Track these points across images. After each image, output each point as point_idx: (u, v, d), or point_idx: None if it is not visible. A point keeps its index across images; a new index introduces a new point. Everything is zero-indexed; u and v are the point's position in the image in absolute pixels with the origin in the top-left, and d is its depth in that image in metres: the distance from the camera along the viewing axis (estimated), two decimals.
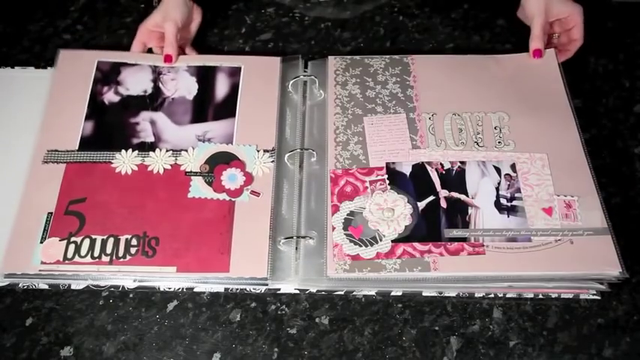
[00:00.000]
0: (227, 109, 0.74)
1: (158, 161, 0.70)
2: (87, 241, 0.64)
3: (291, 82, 0.76)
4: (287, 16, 0.88)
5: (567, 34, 0.78)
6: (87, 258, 0.63)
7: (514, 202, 0.65)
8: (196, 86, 0.76)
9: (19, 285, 0.64)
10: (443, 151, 0.69)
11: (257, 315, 0.63)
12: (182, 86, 0.76)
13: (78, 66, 0.77)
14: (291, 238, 0.65)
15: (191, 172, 0.69)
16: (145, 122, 0.74)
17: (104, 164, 0.70)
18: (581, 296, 0.63)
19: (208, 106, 0.75)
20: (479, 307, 0.63)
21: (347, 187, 0.67)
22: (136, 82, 0.77)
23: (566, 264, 0.61)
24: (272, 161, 0.70)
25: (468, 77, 0.75)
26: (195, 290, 0.64)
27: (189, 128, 0.73)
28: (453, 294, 0.63)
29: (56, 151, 0.70)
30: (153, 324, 0.62)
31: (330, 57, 0.78)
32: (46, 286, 0.64)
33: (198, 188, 0.68)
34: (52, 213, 0.66)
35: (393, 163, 0.68)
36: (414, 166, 0.68)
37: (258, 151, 0.71)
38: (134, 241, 0.64)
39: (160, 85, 0.77)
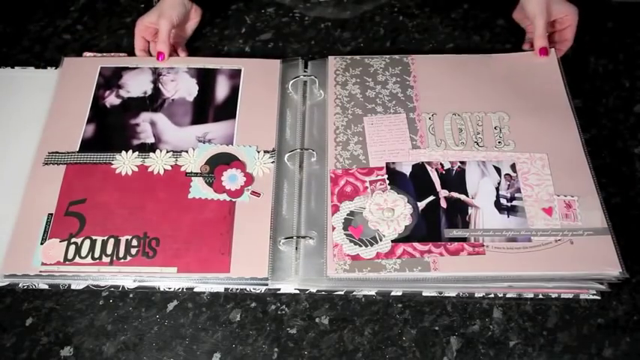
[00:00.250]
0: (227, 110, 0.74)
1: (158, 162, 0.70)
2: (87, 242, 0.64)
3: (291, 82, 0.77)
4: (287, 16, 0.88)
5: (560, 34, 0.78)
6: (87, 259, 0.63)
7: (514, 202, 0.65)
8: (196, 88, 0.76)
9: (19, 285, 0.64)
10: (443, 151, 0.69)
11: (257, 315, 0.63)
12: (182, 87, 0.76)
13: (81, 72, 0.78)
14: (292, 238, 0.65)
15: (191, 172, 0.69)
16: (145, 123, 0.74)
17: (104, 165, 0.70)
18: (581, 296, 0.63)
19: (208, 108, 0.75)
20: (479, 307, 0.63)
21: (347, 187, 0.67)
22: (136, 85, 0.77)
23: (566, 264, 0.61)
24: (272, 162, 0.70)
25: (468, 77, 0.75)
26: (195, 290, 0.64)
27: (190, 129, 0.73)
28: (453, 294, 0.63)
29: (57, 152, 0.71)
30: (153, 324, 0.62)
31: (330, 57, 0.78)
32: (46, 286, 0.64)
33: (199, 189, 0.68)
34: (52, 214, 0.66)
35: (393, 163, 0.68)
36: (414, 166, 0.68)
37: (258, 151, 0.71)
38: (134, 242, 0.64)
39: (160, 86, 0.77)
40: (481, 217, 0.64)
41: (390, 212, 0.65)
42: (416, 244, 0.63)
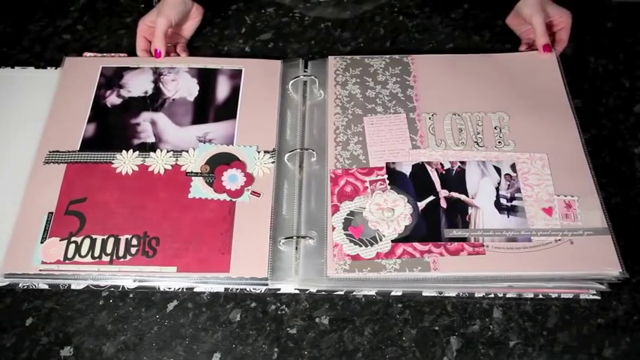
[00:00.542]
0: (228, 110, 0.74)
1: (159, 162, 0.70)
2: (87, 241, 0.64)
3: (291, 82, 0.77)
4: (287, 16, 0.89)
5: (554, 35, 0.79)
6: (87, 258, 0.63)
7: (514, 202, 0.65)
8: (197, 88, 0.77)
9: (19, 285, 0.64)
10: (443, 151, 0.69)
11: (257, 315, 0.63)
12: (183, 87, 0.77)
13: (83, 72, 0.78)
14: (291, 238, 0.65)
15: (192, 172, 0.69)
16: (145, 123, 0.74)
17: (105, 164, 0.70)
18: (581, 296, 0.63)
19: (209, 108, 0.75)
20: (479, 307, 0.63)
21: (347, 187, 0.67)
22: (137, 84, 0.77)
23: (566, 264, 0.61)
24: (272, 162, 0.70)
25: (468, 77, 0.75)
26: (195, 290, 0.64)
27: (190, 129, 0.73)
28: (453, 294, 0.63)
29: (57, 151, 0.71)
30: (153, 324, 0.62)
31: (330, 57, 0.78)
32: (46, 286, 0.64)
33: (199, 189, 0.68)
34: (52, 213, 0.66)
35: (393, 163, 0.68)
36: (414, 166, 0.68)
37: (258, 152, 0.71)
38: (134, 241, 0.64)
39: (161, 85, 0.77)
40: (481, 217, 0.64)
41: (390, 212, 0.65)
42: (416, 244, 0.63)
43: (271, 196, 0.67)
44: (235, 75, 0.77)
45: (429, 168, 0.68)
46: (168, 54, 0.79)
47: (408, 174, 0.68)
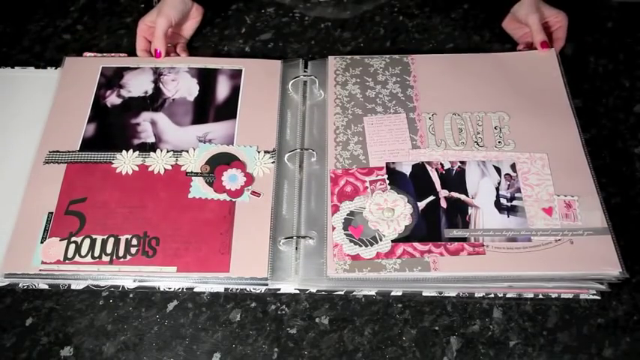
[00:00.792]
0: (228, 110, 0.74)
1: (159, 162, 0.70)
2: (87, 241, 0.64)
3: (291, 82, 0.77)
4: (287, 16, 0.89)
5: (551, 35, 0.79)
6: (87, 258, 0.63)
7: (514, 202, 0.65)
8: (197, 88, 0.77)
9: (19, 285, 0.64)
10: (443, 151, 0.69)
11: (257, 315, 0.63)
12: (183, 87, 0.77)
13: (83, 72, 0.78)
14: (291, 238, 0.65)
15: (192, 172, 0.69)
16: (145, 123, 0.74)
17: (105, 164, 0.70)
18: (581, 296, 0.63)
19: (209, 108, 0.75)
20: (479, 307, 0.63)
21: (347, 187, 0.67)
22: (137, 84, 0.77)
23: (566, 264, 0.61)
24: (272, 162, 0.70)
25: (468, 77, 0.75)
26: (195, 290, 0.64)
27: (190, 129, 0.73)
28: (453, 294, 0.63)
29: (57, 151, 0.71)
30: (153, 324, 0.62)
31: (330, 57, 0.78)
32: (46, 286, 0.64)
33: (199, 188, 0.68)
34: (52, 213, 0.66)
35: (393, 163, 0.68)
36: (414, 166, 0.68)
37: (258, 152, 0.71)
38: (134, 241, 0.64)
39: (161, 85, 0.77)
40: (481, 217, 0.64)
41: (390, 212, 0.65)
42: (416, 244, 0.63)
43: (271, 196, 0.67)
44: (235, 75, 0.77)
45: (429, 168, 0.68)
46: (168, 54, 0.79)
47: (408, 174, 0.68)
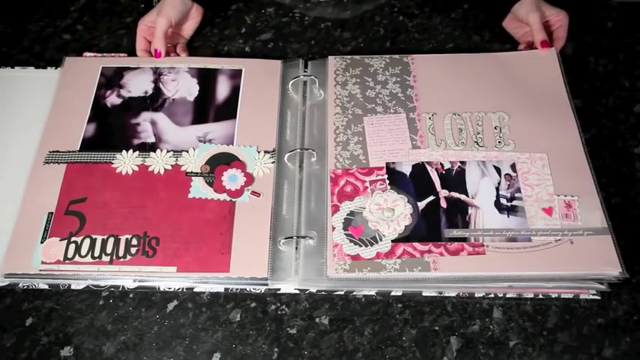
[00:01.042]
0: (228, 110, 0.74)
1: (159, 162, 0.70)
2: (87, 241, 0.64)
3: (291, 82, 0.77)
4: (287, 16, 0.89)
5: (552, 34, 0.79)
6: (87, 258, 0.63)
7: (514, 202, 0.65)
8: (197, 88, 0.77)
9: (19, 285, 0.64)
10: (443, 151, 0.69)
11: (257, 315, 0.63)
12: (183, 87, 0.77)
13: (83, 72, 0.78)
14: (291, 238, 0.65)
15: (192, 172, 0.69)
16: (145, 123, 0.74)
17: (105, 164, 0.70)
18: (581, 296, 0.63)
19: (209, 108, 0.75)
20: (479, 307, 0.63)
21: (347, 187, 0.67)
22: (137, 84, 0.77)
23: (566, 264, 0.61)
24: (272, 162, 0.70)
25: (468, 77, 0.75)
26: (195, 290, 0.64)
27: (190, 129, 0.73)
28: (453, 294, 0.63)
29: (57, 151, 0.71)
30: (153, 324, 0.62)
31: (330, 57, 0.78)
32: (46, 286, 0.64)
33: (199, 188, 0.68)
34: (52, 213, 0.66)
35: (393, 163, 0.68)
36: (414, 166, 0.68)
37: (258, 152, 0.71)
38: (134, 241, 0.64)
39: (161, 85, 0.77)
40: (481, 217, 0.64)
41: (390, 212, 0.65)
42: (416, 244, 0.63)
43: (271, 196, 0.67)
44: (235, 75, 0.77)
45: (429, 168, 0.68)
46: (168, 54, 0.79)
47: (408, 174, 0.68)
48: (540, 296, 0.63)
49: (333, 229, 0.64)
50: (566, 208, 0.64)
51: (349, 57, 0.78)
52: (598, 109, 0.78)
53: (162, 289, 0.64)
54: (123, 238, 0.65)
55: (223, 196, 0.67)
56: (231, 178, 0.69)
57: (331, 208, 0.66)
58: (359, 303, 0.63)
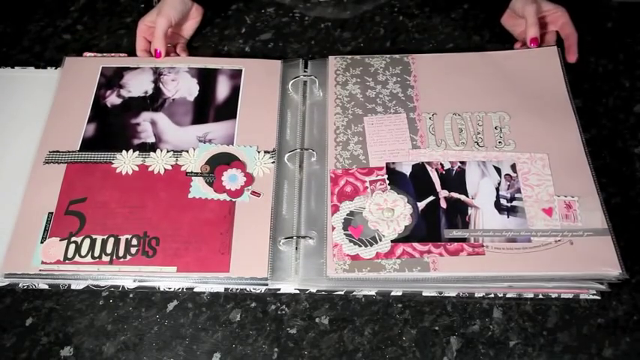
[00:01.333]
0: (228, 110, 0.74)
1: (159, 162, 0.70)
2: (87, 241, 0.64)
3: (291, 82, 0.77)
4: (287, 16, 0.88)
5: (561, 31, 0.79)
6: (87, 258, 0.63)
7: (514, 203, 0.65)
8: (197, 88, 0.77)
9: (19, 285, 0.64)
10: (443, 151, 0.69)
11: (257, 315, 0.63)
12: (183, 87, 0.77)
13: (83, 72, 0.78)
14: (292, 238, 0.65)
15: (192, 172, 0.69)
16: (145, 123, 0.74)
17: (105, 164, 0.70)
18: (581, 296, 0.63)
19: (209, 108, 0.75)
20: (479, 307, 0.63)
21: (347, 187, 0.67)
22: (137, 84, 0.77)
23: (566, 265, 0.61)
24: (272, 162, 0.70)
25: (468, 76, 0.75)
26: (195, 290, 0.64)
27: (190, 129, 0.73)
28: (453, 294, 0.63)
29: (57, 151, 0.71)
30: (153, 324, 0.62)
31: (330, 57, 0.78)
32: (46, 286, 0.64)
33: (199, 188, 0.68)
34: (52, 213, 0.66)
35: (393, 163, 0.68)
36: (414, 166, 0.68)
37: (258, 152, 0.71)
38: (134, 241, 0.64)
39: (161, 85, 0.77)
40: (481, 217, 0.64)
41: (390, 212, 0.65)
42: (415, 245, 0.63)
43: (271, 196, 0.67)
44: (235, 75, 0.77)
45: (429, 168, 0.68)
46: (168, 54, 0.79)
47: (408, 174, 0.68)
48: (540, 296, 0.63)
49: (333, 229, 0.64)
50: (567, 209, 0.64)
51: (349, 57, 0.78)
52: (598, 109, 0.78)
53: (162, 289, 0.64)
54: (123, 238, 0.65)
55: (223, 196, 0.67)
56: (231, 178, 0.69)
57: (331, 208, 0.66)
58: (359, 303, 0.63)
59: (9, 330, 0.62)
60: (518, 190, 0.66)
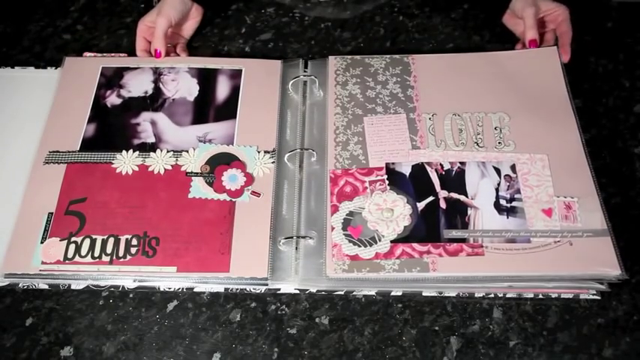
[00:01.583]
0: (228, 110, 0.74)
1: (159, 162, 0.70)
2: (87, 241, 0.64)
3: (291, 82, 0.77)
4: (287, 16, 0.88)
5: (558, 29, 0.79)
6: (87, 258, 0.63)
7: (513, 203, 0.65)
8: (197, 88, 0.77)
9: (19, 285, 0.64)
10: (443, 152, 0.69)
11: (257, 315, 0.63)
12: (183, 87, 0.77)
13: (83, 72, 0.78)
14: (291, 238, 0.65)
15: (192, 172, 0.69)
16: (145, 123, 0.74)
17: (105, 165, 0.70)
18: (581, 296, 0.63)
19: (209, 108, 0.75)
20: (479, 307, 0.63)
21: (346, 187, 0.67)
22: (137, 84, 0.77)
23: (565, 265, 0.61)
24: (272, 162, 0.70)
25: (468, 77, 0.75)
26: (195, 290, 0.64)
27: (190, 129, 0.73)
28: (453, 294, 0.63)
29: (57, 151, 0.71)
30: (153, 324, 0.62)
31: (330, 57, 0.78)
32: (46, 286, 0.64)
33: (199, 188, 0.68)
34: (52, 213, 0.66)
35: (393, 163, 0.68)
36: (413, 167, 0.68)
37: (258, 152, 0.71)
38: (134, 241, 0.64)
39: (161, 85, 0.77)
40: (480, 217, 0.64)
41: (390, 212, 0.65)
42: (415, 245, 0.63)
43: (271, 196, 0.68)
44: (235, 75, 0.77)
45: (428, 168, 0.68)
46: (168, 54, 0.79)
47: (407, 174, 0.68)
48: (540, 296, 0.63)
49: (332, 229, 0.64)
50: (566, 210, 0.64)
51: (349, 57, 0.78)
52: (598, 109, 0.78)
53: (162, 289, 0.64)
54: (123, 238, 0.65)
55: (223, 196, 0.67)
56: (231, 178, 0.69)
57: (330, 208, 0.66)
58: (359, 303, 0.64)
59: (9, 330, 0.62)
60: (518, 191, 0.66)
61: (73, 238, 0.65)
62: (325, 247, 0.63)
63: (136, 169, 0.70)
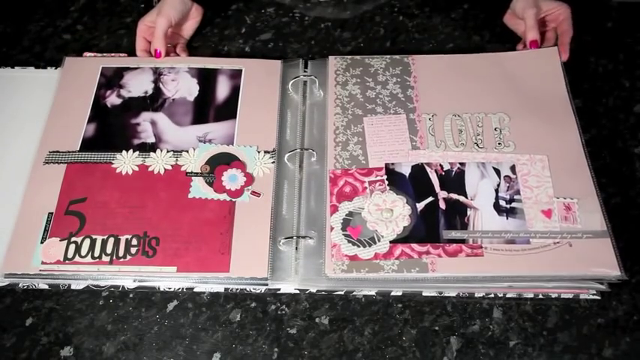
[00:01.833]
0: (228, 110, 0.74)
1: (159, 162, 0.70)
2: (87, 241, 0.64)
3: (291, 82, 0.77)
4: (287, 16, 0.88)
5: (558, 27, 0.79)
6: (87, 258, 0.63)
7: (513, 204, 0.65)
8: (197, 88, 0.77)
9: (19, 285, 0.64)
10: (442, 152, 0.69)
11: (257, 315, 0.63)
12: (183, 87, 0.77)
13: (83, 72, 0.78)
14: (291, 238, 0.65)
15: (192, 172, 0.69)
16: (145, 123, 0.74)
17: (105, 165, 0.70)
18: (581, 296, 0.63)
19: (209, 108, 0.75)
20: (479, 307, 0.63)
21: (346, 187, 0.67)
22: (137, 84, 0.77)
23: (565, 267, 0.61)
24: (272, 162, 0.70)
25: (468, 77, 0.75)
26: (195, 290, 0.64)
27: (190, 129, 0.73)
28: (453, 294, 0.63)
29: (57, 151, 0.71)
30: (153, 324, 0.62)
31: (330, 57, 0.78)
32: (46, 286, 0.64)
33: (199, 188, 0.68)
34: (52, 213, 0.66)
35: (393, 163, 0.68)
36: (413, 167, 0.68)
37: (258, 152, 0.71)
38: (134, 241, 0.64)
39: (161, 85, 0.77)
40: (480, 218, 0.64)
41: (389, 213, 0.65)
42: (414, 245, 0.63)
43: (271, 196, 0.68)
44: (235, 75, 0.77)
45: (428, 169, 0.68)
46: (168, 54, 0.79)
47: (407, 175, 0.68)
48: (540, 296, 0.63)
49: (332, 229, 0.64)
50: (566, 211, 0.64)
51: (350, 57, 0.78)
52: (598, 109, 0.78)
53: (162, 289, 0.64)
54: (123, 238, 0.65)
55: (223, 196, 0.67)
56: (231, 178, 0.69)
57: (330, 208, 0.66)
58: (359, 303, 0.64)
59: (9, 330, 0.62)
60: (518, 192, 0.66)
61: (73, 238, 0.65)
62: (325, 247, 0.63)
63: (136, 169, 0.70)
